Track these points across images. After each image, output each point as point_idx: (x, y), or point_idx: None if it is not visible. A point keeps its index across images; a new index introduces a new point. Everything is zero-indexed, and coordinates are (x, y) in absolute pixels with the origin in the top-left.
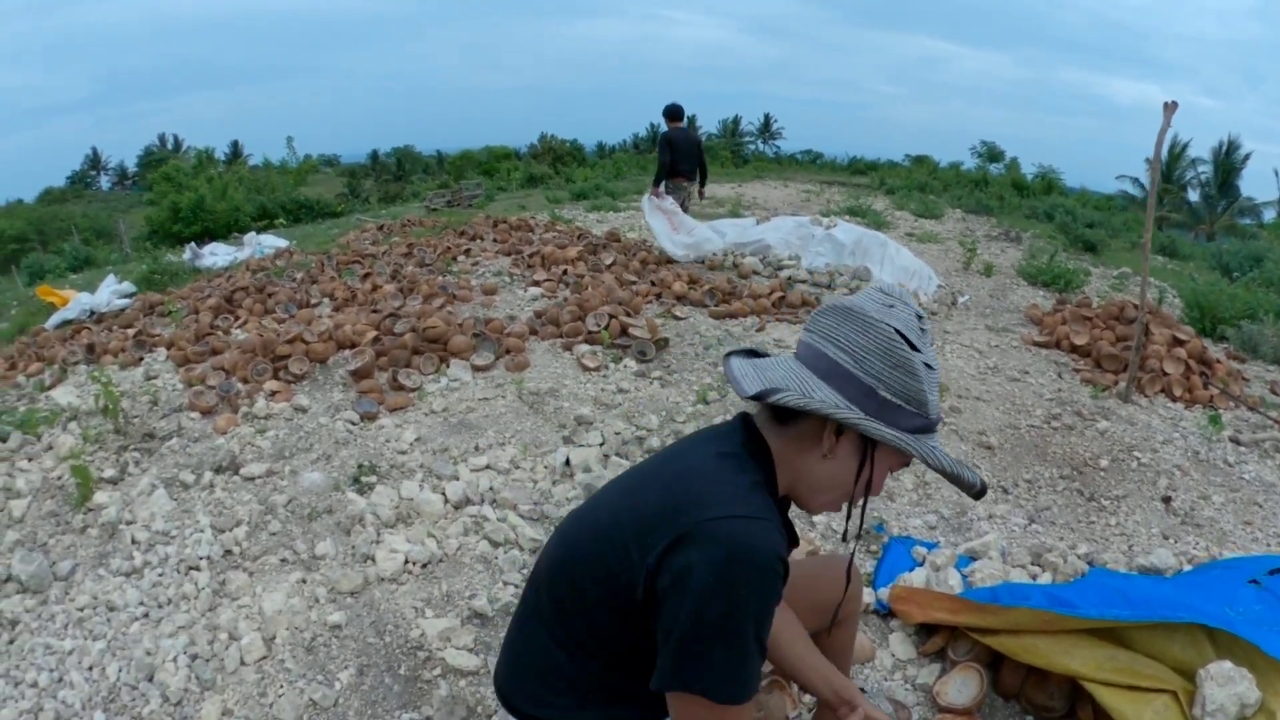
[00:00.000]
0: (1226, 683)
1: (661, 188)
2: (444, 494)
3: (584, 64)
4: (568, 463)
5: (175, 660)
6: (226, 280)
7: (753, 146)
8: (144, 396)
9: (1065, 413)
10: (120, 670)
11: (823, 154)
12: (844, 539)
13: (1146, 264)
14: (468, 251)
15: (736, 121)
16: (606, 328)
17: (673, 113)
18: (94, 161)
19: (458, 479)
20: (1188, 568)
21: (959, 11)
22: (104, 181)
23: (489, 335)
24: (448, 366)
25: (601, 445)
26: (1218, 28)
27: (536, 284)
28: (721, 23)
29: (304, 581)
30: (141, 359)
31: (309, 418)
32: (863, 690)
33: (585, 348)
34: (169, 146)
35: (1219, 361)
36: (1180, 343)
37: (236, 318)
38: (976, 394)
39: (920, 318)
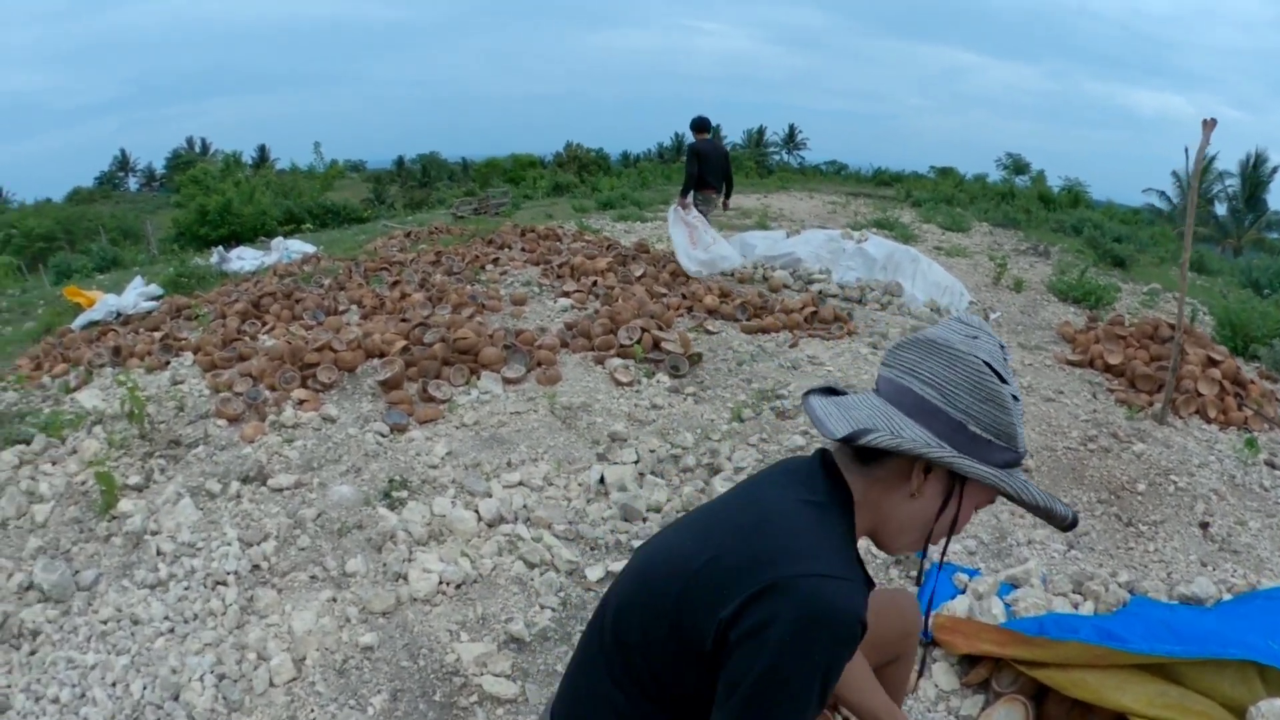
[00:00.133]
0: None
1: (689, 199)
2: (477, 511)
3: (610, 73)
4: (602, 480)
5: (202, 679)
6: (254, 285)
7: (777, 157)
8: (170, 402)
9: (1101, 434)
10: (145, 688)
11: (847, 165)
12: (918, 582)
13: (1184, 283)
14: (496, 260)
15: (761, 132)
16: (639, 341)
17: (700, 125)
18: (122, 163)
19: (490, 496)
20: (1228, 597)
21: (984, 23)
22: (132, 183)
23: (520, 347)
24: (478, 378)
25: (636, 463)
26: (1245, 39)
27: (566, 295)
28: (748, 33)
29: (334, 600)
30: (168, 363)
31: (338, 428)
32: None
33: (618, 361)
34: (197, 149)
35: (1253, 382)
36: (1215, 363)
37: (264, 323)
38: None
39: (1003, 348)
